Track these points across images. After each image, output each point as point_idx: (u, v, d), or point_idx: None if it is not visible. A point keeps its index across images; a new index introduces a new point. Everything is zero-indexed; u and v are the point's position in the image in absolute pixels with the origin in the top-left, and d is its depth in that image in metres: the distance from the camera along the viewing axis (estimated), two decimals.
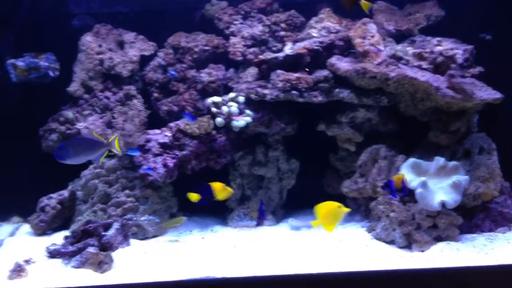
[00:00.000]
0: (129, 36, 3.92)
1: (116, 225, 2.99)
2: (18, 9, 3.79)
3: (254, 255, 2.88)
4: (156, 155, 3.36)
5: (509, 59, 3.46)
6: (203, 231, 3.42)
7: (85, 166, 3.49)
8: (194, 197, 2.64)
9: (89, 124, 3.46)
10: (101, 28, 3.86)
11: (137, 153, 3.27)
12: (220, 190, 2.70)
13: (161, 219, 3.36)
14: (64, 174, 3.54)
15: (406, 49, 3.45)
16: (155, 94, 3.80)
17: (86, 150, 2.79)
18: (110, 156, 3.42)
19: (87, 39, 3.74)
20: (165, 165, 3.31)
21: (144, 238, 3.26)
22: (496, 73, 3.31)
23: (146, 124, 3.49)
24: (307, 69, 3.43)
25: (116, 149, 2.84)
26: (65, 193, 3.45)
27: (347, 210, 2.58)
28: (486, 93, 3.07)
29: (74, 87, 3.67)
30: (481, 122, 3.33)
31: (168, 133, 3.45)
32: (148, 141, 3.42)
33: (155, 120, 3.63)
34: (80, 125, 3.47)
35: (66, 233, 3.09)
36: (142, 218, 3.26)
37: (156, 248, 3.06)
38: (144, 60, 3.86)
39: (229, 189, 2.59)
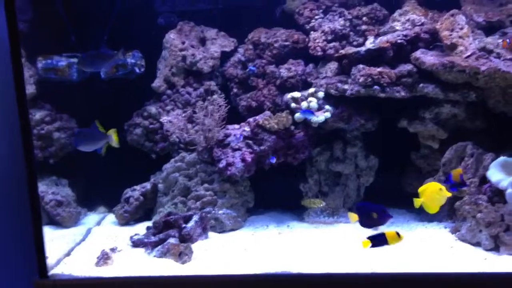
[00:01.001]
0: (210, 32, 4.00)
1: (195, 218, 3.07)
2: (112, 9, 3.99)
3: (330, 251, 2.85)
4: (235, 150, 3.41)
5: None
6: (280, 226, 3.43)
7: (167, 159, 3.62)
8: (366, 244, 2.66)
9: (172, 119, 3.57)
10: (184, 26, 3.97)
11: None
12: (393, 238, 2.65)
13: (238, 213, 3.42)
14: (147, 167, 3.70)
15: (498, 42, 3.25)
16: (235, 90, 3.85)
17: (91, 140, 2.90)
18: (191, 150, 3.53)
19: (171, 36, 3.87)
20: (243, 160, 3.35)
21: (222, 231, 3.32)
22: None
23: (226, 119, 3.54)
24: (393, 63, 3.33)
25: (115, 141, 2.91)
26: (147, 185, 3.59)
27: (449, 194, 2.52)
28: None
29: (158, 83, 3.81)
30: None
31: (247, 128, 3.49)
32: (227, 136, 3.48)
33: (235, 115, 3.69)
34: (163, 119, 3.60)
35: (149, 223, 3.23)
36: (220, 212, 3.33)
37: (233, 242, 3.11)
38: (225, 56, 3.92)
39: (402, 237, 2.57)
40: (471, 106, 3.26)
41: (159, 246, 2.83)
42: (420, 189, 2.58)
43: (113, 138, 2.93)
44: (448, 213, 3.23)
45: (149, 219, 3.50)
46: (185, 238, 2.94)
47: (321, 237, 3.15)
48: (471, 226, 2.89)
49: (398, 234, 2.46)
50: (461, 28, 3.23)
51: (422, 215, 3.47)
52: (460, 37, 3.20)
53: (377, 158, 3.56)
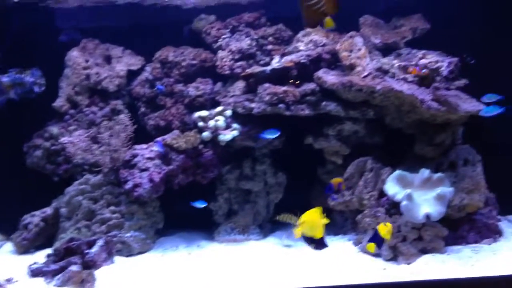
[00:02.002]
0: (116, 50, 3.92)
1: (100, 242, 2.97)
2: (8, 25, 3.80)
3: (241, 270, 2.86)
4: (142, 170, 3.34)
5: (493, 71, 3.47)
6: (190, 247, 3.39)
7: (71, 182, 3.48)
8: (372, 247, 2.68)
9: (74, 139, 3.44)
10: (88, 43, 3.87)
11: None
12: (382, 229, 2.67)
13: (146, 235, 3.34)
14: (49, 191, 3.53)
15: (392, 62, 3.46)
16: (142, 109, 3.80)
17: None
18: (96, 171, 3.42)
19: (74, 54, 3.75)
20: (151, 180, 3.29)
21: (129, 254, 3.23)
22: (481, 85, 3.32)
23: (133, 139, 3.47)
24: (298, 82, 3.43)
25: None
26: (48, 210, 3.42)
27: (326, 221, 2.56)
28: (471, 105, 3.08)
29: (60, 103, 3.67)
30: (466, 134, 3.33)
31: (155, 148, 3.44)
32: (135, 156, 3.41)
33: (142, 135, 3.62)
34: (64, 140, 3.45)
35: (50, 251, 3.06)
36: (127, 235, 3.24)
37: (141, 265, 3.04)
38: (132, 75, 3.86)
39: (388, 224, 2.62)
40: (370, 123, 3.43)
41: (60, 275, 2.70)
42: (300, 220, 2.55)
43: None
44: (352, 226, 3.36)
45: (51, 246, 3.32)
46: (89, 264, 2.82)
47: (231, 256, 3.16)
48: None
49: (384, 224, 2.55)
50: (359, 49, 3.41)
51: (329, 229, 3.58)
52: (358, 57, 3.38)
53: (286, 174, 3.64)
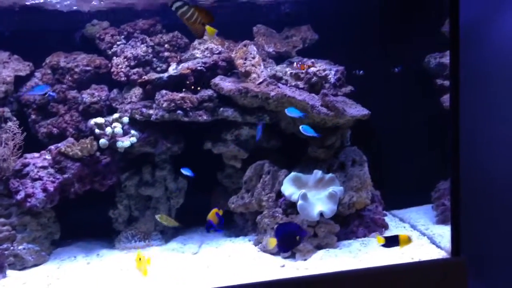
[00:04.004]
0: (2, 55, 3.70)
1: None
2: None
3: (142, 277, 2.84)
4: (34, 179, 3.20)
5: (375, 79, 3.79)
6: (89, 256, 3.31)
7: None
8: (381, 240, 2.76)
9: None
10: None
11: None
12: (404, 241, 2.73)
13: (41, 246, 3.20)
14: None
15: (285, 70, 3.65)
16: (33, 116, 3.62)
17: None
18: None
19: None
20: (44, 190, 3.16)
21: (23, 267, 3.08)
22: (366, 91, 3.63)
23: (23, 148, 3.30)
24: (198, 87, 3.48)
25: None
26: None
27: (143, 261, 2.61)
28: (356, 110, 3.34)
29: None
30: (354, 136, 3.60)
31: (48, 156, 3.31)
32: (26, 165, 3.25)
33: (33, 144, 3.46)
34: None
35: None
36: (20, 247, 3.08)
37: (37, 278, 2.91)
38: (20, 81, 3.67)
39: (411, 240, 2.74)
40: (266, 128, 3.57)
41: None
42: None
43: None
44: (252, 227, 3.47)
45: None
46: None
47: (132, 263, 3.11)
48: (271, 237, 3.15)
49: (409, 238, 2.70)
50: (253, 57, 3.55)
51: (230, 231, 3.67)
52: (253, 65, 3.52)
53: (186, 180, 3.67)
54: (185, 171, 3.27)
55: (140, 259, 2.58)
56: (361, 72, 3.71)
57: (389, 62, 3.84)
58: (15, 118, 3.51)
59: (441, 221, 3.47)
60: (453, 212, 2.79)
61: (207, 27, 2.57)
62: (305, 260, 3.01)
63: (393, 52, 3.81)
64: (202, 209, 3.75)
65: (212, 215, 2.90)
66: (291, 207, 3.18)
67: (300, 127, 3.16)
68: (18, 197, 3.12)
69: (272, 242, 2.87)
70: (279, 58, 3.85)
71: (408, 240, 2.74)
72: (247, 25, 3.92)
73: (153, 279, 2.79)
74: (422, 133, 3.83)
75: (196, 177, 3.58)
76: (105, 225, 3.52)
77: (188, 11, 2.51)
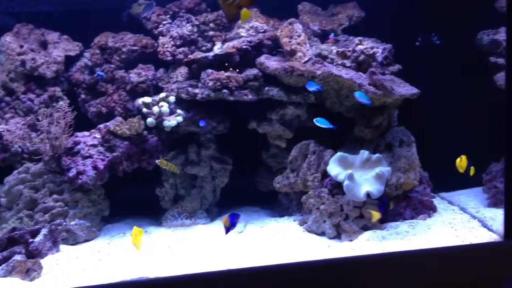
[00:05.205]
0: (52, 36, 3.80)
1: (44, 231, 2.90)
2: None
3: (189, 254, 2.89)
4: (85, 157, 3.28)
5: (425, 57, 3.67)
6: None
7: (9, 171, 3.36)
8: (377, 215, 2.88)
9: (10, 127, 3.31)
10: (21, 28, 3.72)
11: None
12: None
13: (92, 222, 3.30)
14: None
15: (331, 48, 3.58)
16: (83, 96, 3.71)
17: None
18: (36, 160, 3.32)
19: (7, 40, 3.60)
20: (95, 167, 3.25)
21: (75, 243, 3.19)
22: (414, 70, 3.52)
23: (74, 126, 3.39)
24: (237, 70, 3.47)
25: None
26: None
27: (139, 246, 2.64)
28: (405, 89, 3.25)
29: None
30: (401, 116, 3.52)
31: (98, 135, 3.38)
32: (77, 143, 3.34)
33: (84, 122, 3.55)
34: (0, 127, 3.31)
35: None
36: (72, 223, 3.18)
37: (88, 253, 3.00)
38: (70, 61, 3.75)
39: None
40: (311, 107, 3.54)
41: (3, 265, 2.61)
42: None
43: None
44: (297, 207, 3.47)
45: None
46: (33, 253, 2.75)
47: (179, 240, 3.18)
48: (316, 218, 3.14)
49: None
50: (299, 36, 3.50)
51: (274, 211, 3.68)
52: (298, 43, 3.47)
53: (231, 159, 3.68)
54: (322, 123, 3.14)
55: (136, 234, 2.61)
56: (436, 39, 3.60)
57: (438, 40, 3.71)
58: (66, 97, 3.60)
59: (492, 204, 3.36)
60: (507, 195, 2.69)
61: (244, 10, 2.48)
62: (351, 241, 2.98)
63: (443, 29, 3.68)
64: (246, 188, 3.82)
65: (225, 220, 2.86)
66: (337, 187, 3.15)
67: (314, 120, 3.11)
68: (70, 174, 3.21)
69: (376, 215, 2.90)
70: (325, 36, 3.78)
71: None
72: (292, 2, 3.87)
73: (197, 256, 2.83)
74: (473, 113, 3.70)
75: (241, 156, 3.61)
76: (152, 203, 3.59)
77: None
